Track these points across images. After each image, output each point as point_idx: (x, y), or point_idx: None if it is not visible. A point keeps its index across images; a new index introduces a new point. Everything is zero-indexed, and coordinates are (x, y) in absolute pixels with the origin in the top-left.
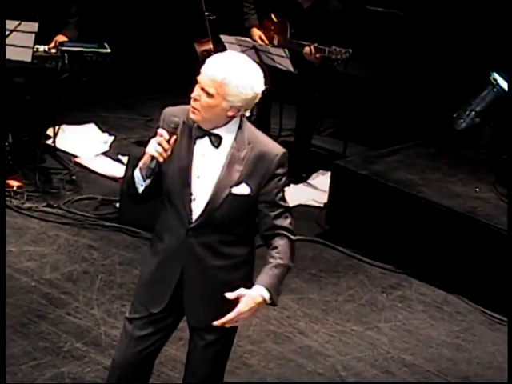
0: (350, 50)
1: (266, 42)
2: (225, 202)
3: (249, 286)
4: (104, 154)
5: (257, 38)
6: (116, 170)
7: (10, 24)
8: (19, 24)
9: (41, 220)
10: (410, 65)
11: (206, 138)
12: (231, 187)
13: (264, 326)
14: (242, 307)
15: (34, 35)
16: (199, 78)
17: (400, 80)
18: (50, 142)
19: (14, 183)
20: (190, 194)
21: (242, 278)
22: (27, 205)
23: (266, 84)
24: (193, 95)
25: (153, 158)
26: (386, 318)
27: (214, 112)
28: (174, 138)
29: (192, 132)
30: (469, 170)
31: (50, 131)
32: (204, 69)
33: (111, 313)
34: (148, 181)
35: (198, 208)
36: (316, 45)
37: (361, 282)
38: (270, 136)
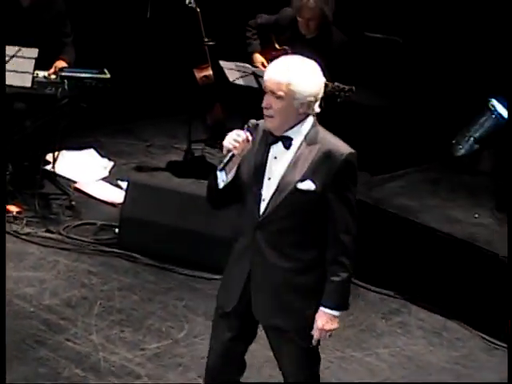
0: (353, 88)
1: None
2: (289, 196)
3: (320, 291)
4: (103, 179)
5: (259, 65)
6: (115, 195)
7: (11, 50)
8: (19, 50)
9: (40, 245)
10: (409, 91)
11: (279, 143)
12: (296, 183)
13: (263, 351)
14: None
15: (34, 61)
16: (265, 85)
17: (400, 106)
18: (49, 167)
19: (14, 209)
20: (260, 195)
21: (311, 283)
22: (26, 230)
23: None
24: (264, 104)
25: (228, 151)
26: (385, 343)
27: (288, 113)
28: (251, 138)
29: (267, 139)
30: (468, 196)
31: (49, 157)
32: (268, 75)
33: (110, 338)
34: (230, 176)
35: (264, 206)
36: None
37: (360, 307)
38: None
